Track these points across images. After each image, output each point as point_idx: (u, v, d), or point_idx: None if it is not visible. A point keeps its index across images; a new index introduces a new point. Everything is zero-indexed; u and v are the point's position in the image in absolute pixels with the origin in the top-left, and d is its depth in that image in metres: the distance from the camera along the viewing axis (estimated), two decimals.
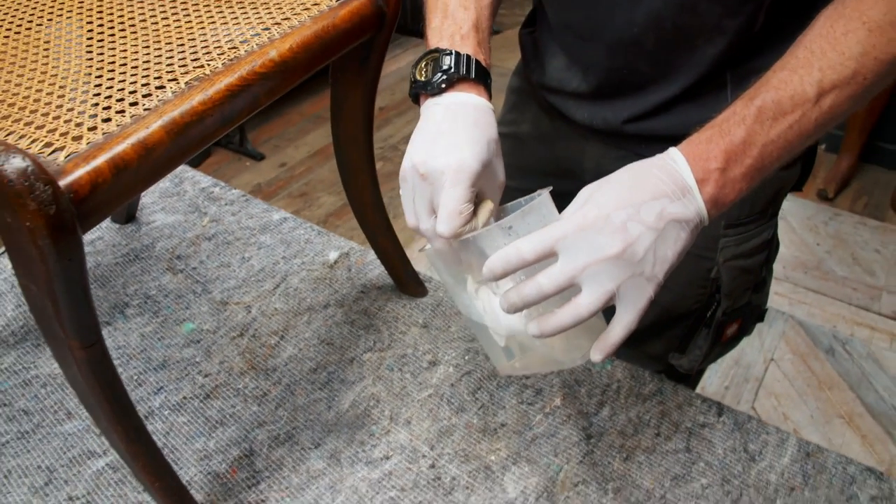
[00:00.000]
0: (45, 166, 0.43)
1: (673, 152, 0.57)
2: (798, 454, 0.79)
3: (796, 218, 2.62)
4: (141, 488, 0.75)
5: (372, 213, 0.89)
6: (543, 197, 0.60)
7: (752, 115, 0.56)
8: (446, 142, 0.62)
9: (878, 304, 2.28)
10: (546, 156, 0.95)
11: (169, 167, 0.52)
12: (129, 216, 1.12)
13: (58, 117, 0.52)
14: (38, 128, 0.51)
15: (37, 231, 0.43)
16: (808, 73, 0.56)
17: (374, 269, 1.02)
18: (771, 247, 0.89)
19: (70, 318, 0.50)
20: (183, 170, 1.23)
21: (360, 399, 0.84)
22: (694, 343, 0.90)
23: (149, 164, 0.49)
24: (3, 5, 0.73)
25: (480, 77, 0.67)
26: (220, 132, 0.55)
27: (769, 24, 0.71)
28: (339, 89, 0.78)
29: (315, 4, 0.69)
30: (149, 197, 1.17)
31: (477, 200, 0.63)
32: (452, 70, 0.65)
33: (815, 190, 2.80)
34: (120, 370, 0.87)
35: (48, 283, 0.47)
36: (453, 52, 0.66)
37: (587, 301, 0.54)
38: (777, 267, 2.36)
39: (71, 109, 0.53)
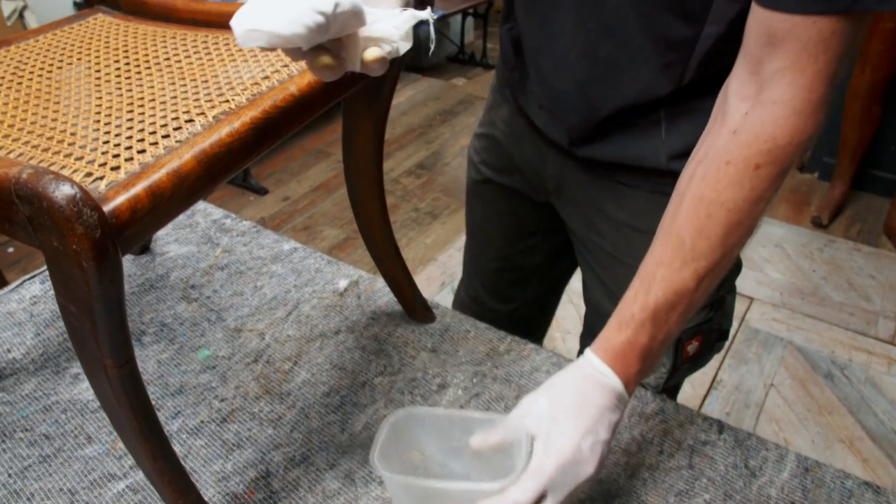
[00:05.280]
0: (90, 193, 0.46)
1: (601, 367, 0.67)
2: (797, 469, 0.82)
3: (792, 245, 2.66)
4: None
5: (381, 241, 0.92)
6: (524, 445, 0.65)
7: (649, 318, 0.67)
8: None
9: (874, 329, 2.31)
10: (516, 155, 1.01)
11: (200, 194, 0.55)
12: (143, 247, 1.15)
13: (95, 149, 0.56)
14: (77, 159, 0.55)
15: (82, 253, 0.46)
16: (686, 265, 0.66)
17: (382, 296, 1.05)
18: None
19: (106, 338, 0.53)
20: None
21: (373, 421, 0.87)
22: None
23: (182, 191, 0.53)
24: (39, 44, 0.77)
25: None
26: (246, 161, 0.59)
27: (700, 77, 0.76)
28: (350, 122, 0.82)
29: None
30: (162, 229, 1.21)
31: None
32: None
33: (810, 217, 2.85)
34: None
35: (88, 303, 0.50)
36: None
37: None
38: (774, 293, 2.40)
39: (107, 142, 0.57)
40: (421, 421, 0.70)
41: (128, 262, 1.14)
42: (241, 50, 0.74)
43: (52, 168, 0.54)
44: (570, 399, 0.66)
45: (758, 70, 0.63)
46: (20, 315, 1.07)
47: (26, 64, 0.75)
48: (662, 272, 0.67)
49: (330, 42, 0.52)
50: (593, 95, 0.81)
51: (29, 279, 1.15)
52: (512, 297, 1.18)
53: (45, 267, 1.18)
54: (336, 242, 2.74)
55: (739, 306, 2.37)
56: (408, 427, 0.69)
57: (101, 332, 0.52)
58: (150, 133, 0.58)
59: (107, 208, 0.48)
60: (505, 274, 1.17)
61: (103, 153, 0.55)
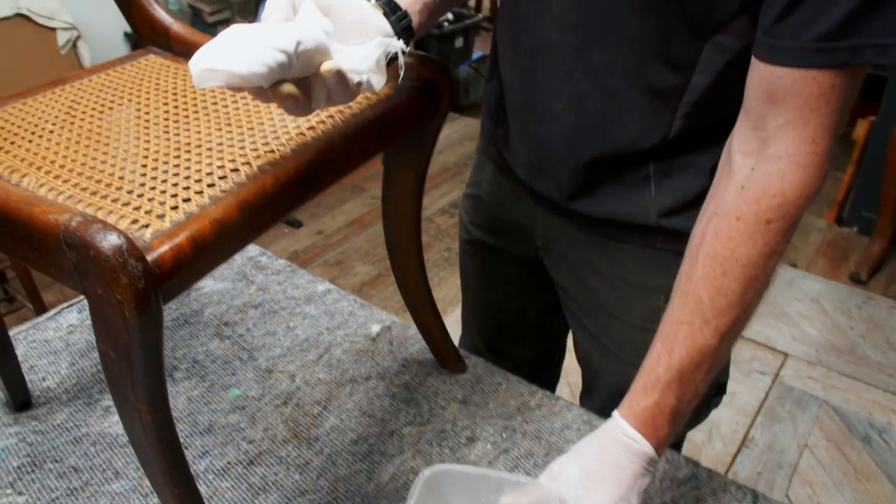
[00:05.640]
0: (135, 242, 0.47)
1: (630, 432, 0.66)
2: None
3: (829, 301, 2.61)
4: None
5: (416, 288, 0.92)
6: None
7: (675, 379, 0.66)
8: None
9: None
10: (503, 214, 1.01)
11: (242, 244, 0.56)
12: None
13: (141, 195, 0.57)
14: (124, 205, 0.55)
15: (125, 303, 0.46)
16: (706, 323, 0.66)
17: (414, 343, 1.04)
18: None
19: (142, 385, 0.53)
20: None
21: (400, 472, 0.86)
22: None
23: (225, 242, 0.53)
24: (92, 83, 0.79)
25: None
26: (289, 211, 0.60)
27: (688, 129, 0.76)
28: (391, 169, 0.83)
29: (374, 93, 0.73)
30: None
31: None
32: None
33: (848, 273, 2.79)
34: None
35: (128, 350, 0.50)
36: None
37: None
38: (810, 350, 2.36)
39: (153, 188, 0.58)
40: (454, 479, 0.69)
41: None
42: None
43: (99, 213, 0.55)
44: (600, 466, 0.65)
45: (760, 126, 0.64)
46: (56, 343, 1.09)
47: (79, 103, 0.77)
48: (684, 332, 0.67)
49: (297, 81, 0.53)
50: (580, 146, 0.81)
51: (67, 307, 1.17)
52: (511, 354, 1.16)
53: (83, 297, 1.20)
54: (367, 279, 2.75)
55: (773, 362, 2.32)
56: (441, 484, 0.68)
57: (137, 379, 0.52)
58: (196, 181, 0.58)
59: (150, 257, 0.48)
60: (501, 332, 1.16)
61: (149, 199, 0.56)
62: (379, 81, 0.57)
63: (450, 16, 3.47)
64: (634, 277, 0.89)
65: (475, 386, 0.97)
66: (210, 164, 0.61)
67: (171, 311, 1.13)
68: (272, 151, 0.62)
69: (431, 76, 0.75)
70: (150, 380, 0.53)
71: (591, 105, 0.77)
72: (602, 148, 0.80)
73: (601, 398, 0.99)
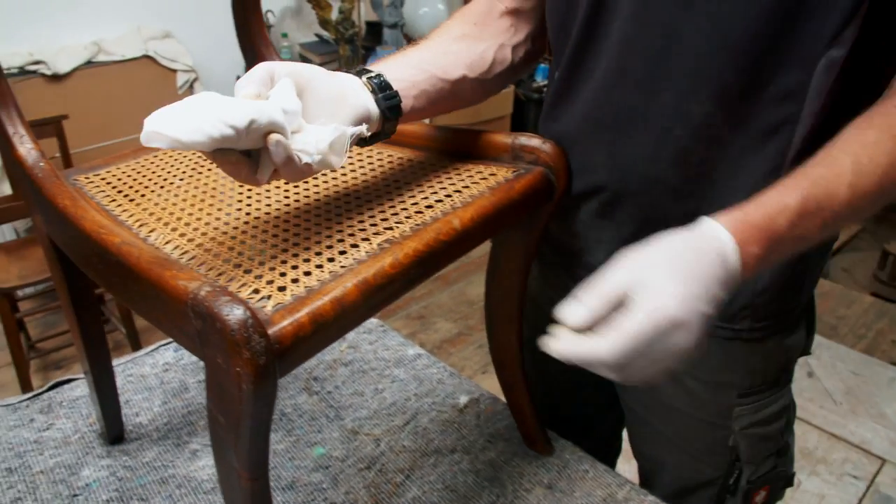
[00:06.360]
0: (259, 316, 0.48)
1: (726, 238, 0.58)
2: None
3: None
4: None
5: (512, 366, 0.91)
6: None
7: (794, 207, 0.59)
8: None
9: None
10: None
11: (356, 324, 0.56)
12: None
13: (263, 263, 0.58)
14: (245, 272, 0.57)
15: (244, 376, 0.47)
16: (843, 174, 0.60)
17: (501, 419, 1.03)
18: (790, 412, 0.90)
19: (246, 453, 0.53)
20: None
21: None
22: None
23: (342, 320, 0.53)
24: None
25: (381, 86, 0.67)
26: (404, 292, 0.60)
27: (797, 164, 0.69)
28: (499, 251, 0.82)
29: (492, 175, 0.74)
30: None
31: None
32: (355, 70, 0.66)
33: None
34: None
35: (238, 419, 0.50)
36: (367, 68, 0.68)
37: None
38: None
39: (274, 257, 0.59)
40: None
41: None
42: (404, 171, 0.76)
43: (221, 278, 0.56)
44: (686, 262, 0.57)
45: None
46: (152, 380, 1.12)
47: (206, 160, 0.80)
48: (819, 172, 0.61)
49: (246, 151, 0.54)
50: (689, 204, 0.75)
51: (164, 345, 1.20)
52: None
53: None
54: (448, 336, 2.74)
55: (869, 466, 2.19)
56: None
57: (242, 447, 0.53)
58: (316, 254, 0.59)
59: (272, 332, 0.49)
60: (556, 423, 1.10)
61: (271, 269, 0.57)
62: (336, 161, 0.58)
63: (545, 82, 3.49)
64: (706, 374, 0.84)
65: (562, 471, 0.94)
66: (331, 238, 0.62)
67: None
68: (391, 229, 0.63)
69: (551, 161, 0.75)
70: (256, 450, 0.54)
71: (695, 158, 0.73)
72: (708, 201, 0.73)
73: (664, 490, 0.95)
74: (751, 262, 0.58)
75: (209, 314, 0.47)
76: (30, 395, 1.08)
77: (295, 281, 0.55)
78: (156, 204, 0.70)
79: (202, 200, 0.71)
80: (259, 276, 0.56)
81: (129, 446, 0.98)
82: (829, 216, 0.60)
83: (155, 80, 2.81)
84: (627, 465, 0.99)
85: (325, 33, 3.31)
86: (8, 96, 0.72)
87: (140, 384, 1.11)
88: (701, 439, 0.89)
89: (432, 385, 1.09)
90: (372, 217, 0.66)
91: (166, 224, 0.66)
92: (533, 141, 0.76)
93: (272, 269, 0.57)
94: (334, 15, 3.19)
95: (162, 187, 0.74)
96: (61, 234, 0.69)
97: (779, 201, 0.60)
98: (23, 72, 2.55)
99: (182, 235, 0.64)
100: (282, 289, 0.54)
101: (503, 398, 0.99)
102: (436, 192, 0.70)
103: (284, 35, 3.33)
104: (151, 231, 0.65)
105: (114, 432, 0.97)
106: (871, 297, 3.22)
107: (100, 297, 2.83)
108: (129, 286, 0.57)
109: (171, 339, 1.21)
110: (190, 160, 0.80)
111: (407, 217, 0.65)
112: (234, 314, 0.46)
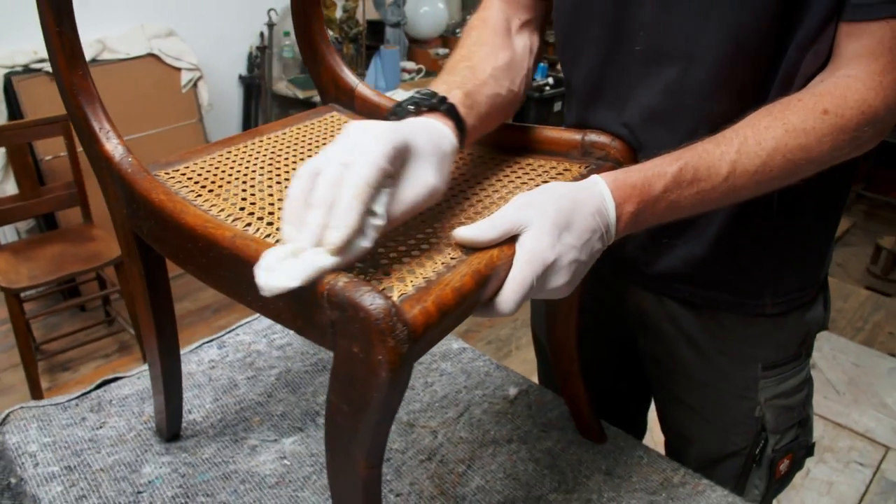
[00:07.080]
0: (401, 309, 0.49)
1: (606, 194, 0.64)
2: None
3: None
4: None
5: (569, 358, 0.93)
6: None
7: (671, 174, 0.65)
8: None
9: None
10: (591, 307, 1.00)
11: (467, 315, 0.58)
12: None
13: (374, 256, 0.59)
14: (358, 263, 0.58)
15: (385, 364, 0.48)
16: (728, 152, 0.67)
17: (552, 408, 1.05)
18: (809, 385, 0.97)
19: (370, 441, 0.55)
20: None
21: None
22: (750, 483, 0.97)
23: (459, 309, 0.55)
24: (286, 136, 0.83)
25: (451, 113, 0.67)
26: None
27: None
28: None
29: (567, 170, 0.76)
30: None
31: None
32: (423, 98, 0.67)
33: None
34: (314, 478, 0.92)
35: (367, 407, 0.52)
36: (433, 90, 0.70)
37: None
38: None
39: (381, 251, 0.60)
40: None
41: (301, 339, 1.18)
42: (487, 167, 0.77)
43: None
44: (563, 208, 0.61)
45: (835, 63, 0.70)
46: (199, 377, 1.12)
47: (279, 155, 0.81)
48: (705, 146, 0.67)
49: None
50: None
51: (207, 343, 1.20)
52: None
53: (220, 333, 1.24)
54: (456, 332, 2.76)
55: (874, 454, 2.24)
56: None
57: (365, 434, 0.54)
58: (424, 247, 0.61)
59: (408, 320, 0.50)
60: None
61: (383, 262, 0.58)
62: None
63: (550, 80, 3.52)
64: (732, 349, 0.91)
65: (618, 458, 0.97)
66: (434, 230, 0.64)
67: (308, 355, 1.16)
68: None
69: (620, 156, 0.78)
70: (379, 437, 0.55)
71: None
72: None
73: (691, 463, 1.00)
74: (624, 219, 0.64)
75: (350, 304, 0.48)
76: (77, 394, 1.08)
77: (412, 272, 0.57)
78: (243, 199, 0.71)
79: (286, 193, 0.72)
80: (374, 268, 0.57)
81: (186, 443, 0.99)
82: (707, 187, 0.66)
83: (159, 78, 2.80)
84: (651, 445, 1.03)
85: (329, 32, 3.31)
86: (93, 93, 0.73)
87: (188, 381, 1.11)
88: (729, 411, 0.95)
89: (480, 377, 1.11)
90: (465, 211, 0.67)
91: (260, 219, 0.67)
92: (603, 137, 0.79)
93: (384, 262, 0.59)
94: (338, 14, 3.20)
95: (244, 182, 0.75)
96: (153, 229, 0.70)
97: (659, 166, 0.66)
98: (28, 70, 2.53)
99: (279, 230, 0.65)
100: (401, 279, 0.56)
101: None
102: (525, 184, 0.72)
103: (286, 33, 3.32)
104: (247, 225, 0.66)
105: (173, 429, 0.98)
106: (866, 290, 3.28)
107: (105, 297, 2.82)
108: (240, 279, 0.58)
109: (212, 337, 1.22)
110: (263, 156, 0.81)
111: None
112: (377, 303, 0.48)
